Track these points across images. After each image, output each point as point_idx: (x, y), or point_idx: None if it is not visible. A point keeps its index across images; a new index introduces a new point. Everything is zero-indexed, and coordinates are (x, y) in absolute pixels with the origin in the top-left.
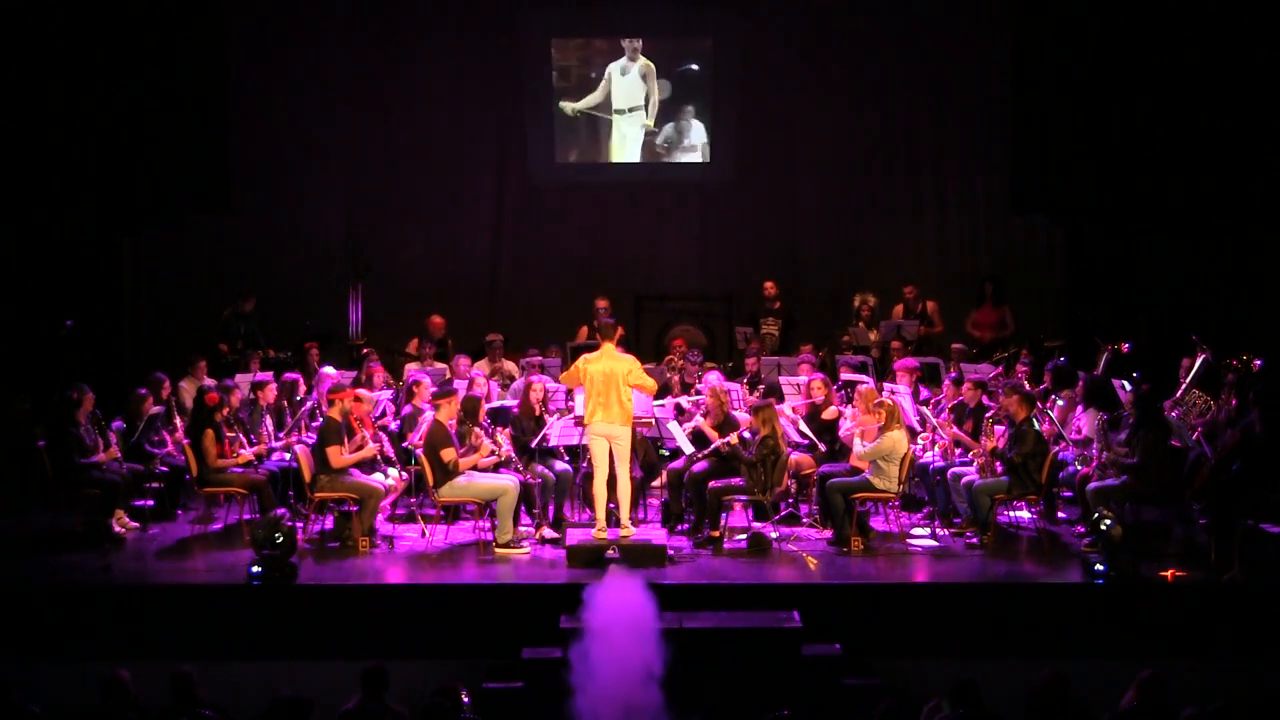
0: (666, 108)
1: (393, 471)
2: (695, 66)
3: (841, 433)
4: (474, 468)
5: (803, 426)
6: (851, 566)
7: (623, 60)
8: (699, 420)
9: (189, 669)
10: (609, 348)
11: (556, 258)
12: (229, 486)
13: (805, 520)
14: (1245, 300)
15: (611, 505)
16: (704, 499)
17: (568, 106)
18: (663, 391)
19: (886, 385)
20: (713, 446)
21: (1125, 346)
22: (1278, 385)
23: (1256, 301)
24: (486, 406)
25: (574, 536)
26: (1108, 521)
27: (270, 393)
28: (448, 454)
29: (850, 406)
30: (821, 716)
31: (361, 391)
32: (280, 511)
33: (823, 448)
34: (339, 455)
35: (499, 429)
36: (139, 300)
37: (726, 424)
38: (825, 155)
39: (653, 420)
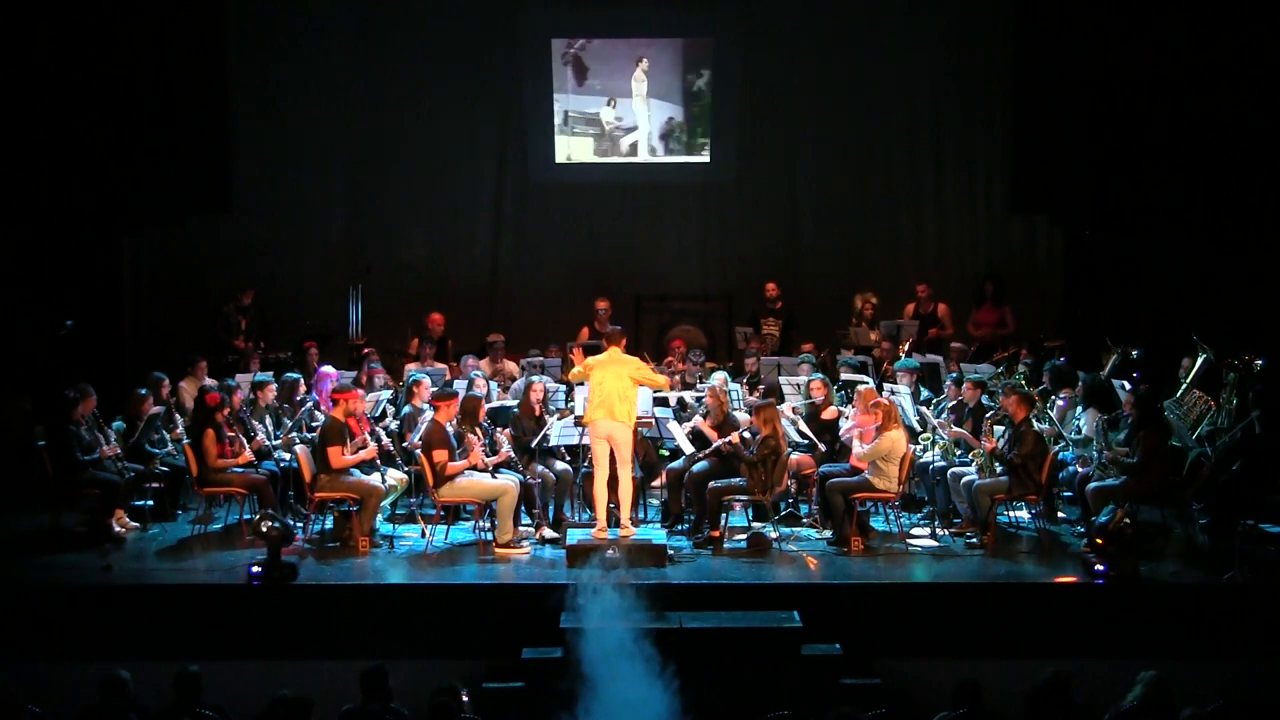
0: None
1: (394, 471)
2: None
3: (842, 433)
4: (472, 468)
5: (803, 426)
6: (851, 566)
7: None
8: (698, 420)
9: (196, 669)
10: (615, 351)
11: (556, 258)
12: (229, 486)
13: (805, 520)
14: (1246, 300)
15: (611, 505)
16: (704, 499)
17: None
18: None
19: (886, 385)
20: (714, 445)
21: (1136, 353)
22: (1278, 385)
23: (1257, 301)
24: (487, 406)
25: (574, 536)
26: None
27: (270, 393)
28: (439, 455)
29: (850, 406)
30: (821, 716)
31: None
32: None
33: (823, 448)
34: (340, 456)
35: (499, 429)
36: (139, 300)
37: (726, 424)
38: (825, 155)
39: (653, 420)
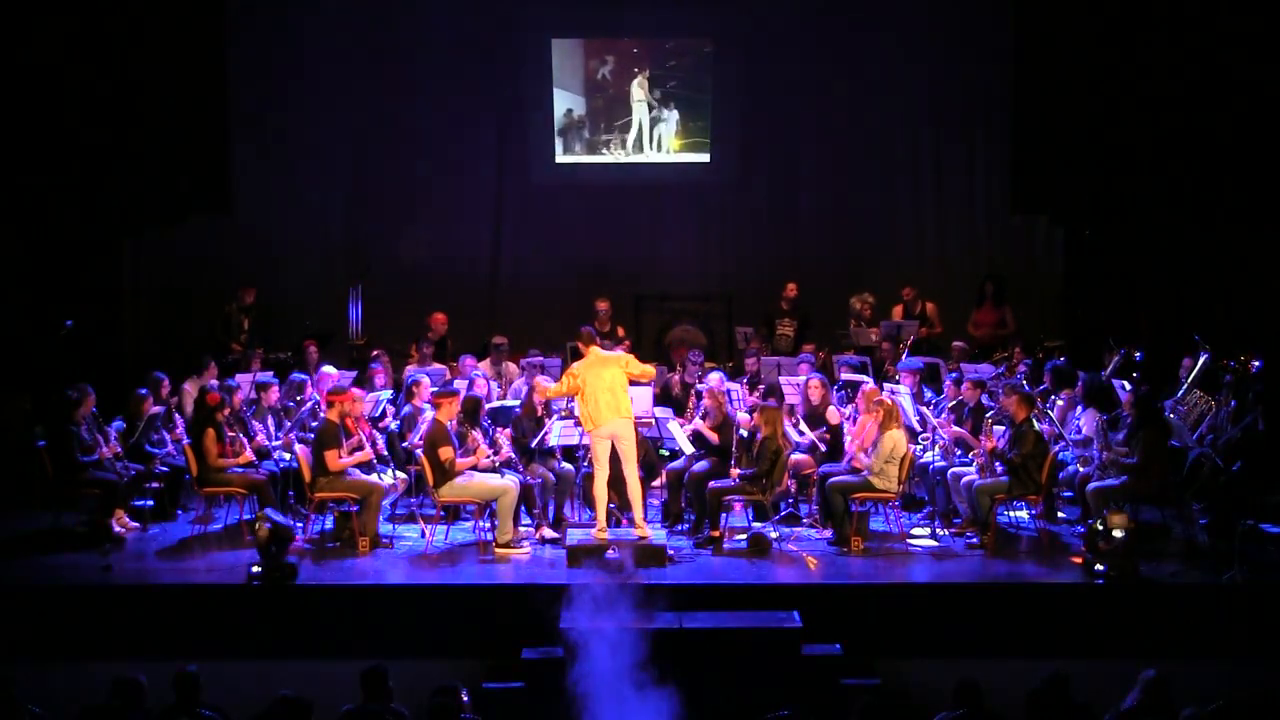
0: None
1: (392, 471)
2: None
3: (847, 447)
4: (473, 468)
5: (803, 426)
6: (851, 566)
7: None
8: (698, 422)
9: (194, 669)
10: (595, 351)
11: (556, 258)
12: (229, 486)
13: (805, 520)
14: (1246, 300)
15: (612, 505)
16: (704, 499)
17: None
18: (663, 392)
19: (887, 385)
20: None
21: (1138, 355)
22: (1277, 385)
23: (1257, 301)
24: (488, 406)
25: (574, 536)
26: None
27: (273, 394)
28: (445, 453)
29: (850, 406)
30: (821, 716)
31: (354, 391)
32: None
33: (823, 448)
34: (336, 459)
35: (499, 429)
36: (139, 300)
37: (725, 424)
38: (825, 155)
39: (653, 420)
